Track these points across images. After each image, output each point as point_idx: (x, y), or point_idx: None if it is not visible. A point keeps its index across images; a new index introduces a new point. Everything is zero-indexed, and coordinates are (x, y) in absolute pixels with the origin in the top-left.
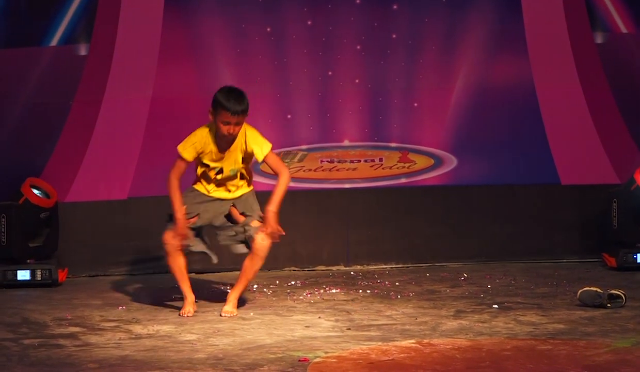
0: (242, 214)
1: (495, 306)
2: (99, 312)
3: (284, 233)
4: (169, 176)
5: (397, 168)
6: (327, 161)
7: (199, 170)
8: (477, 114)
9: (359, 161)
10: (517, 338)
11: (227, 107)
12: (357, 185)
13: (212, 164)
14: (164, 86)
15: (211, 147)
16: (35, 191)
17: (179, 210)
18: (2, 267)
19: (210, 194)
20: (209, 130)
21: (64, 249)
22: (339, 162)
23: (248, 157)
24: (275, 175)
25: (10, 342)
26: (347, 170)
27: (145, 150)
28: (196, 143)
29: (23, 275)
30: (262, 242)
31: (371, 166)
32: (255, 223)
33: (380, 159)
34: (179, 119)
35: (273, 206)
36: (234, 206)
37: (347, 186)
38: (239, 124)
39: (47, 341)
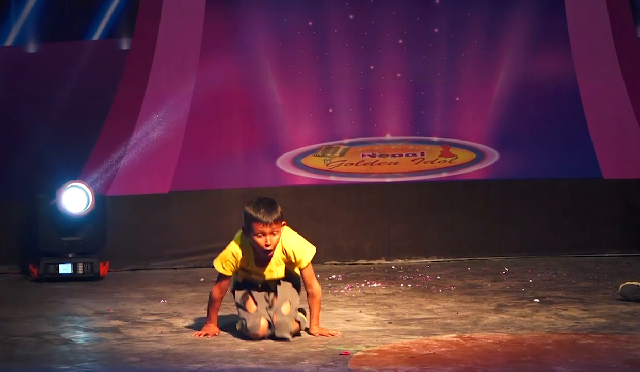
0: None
1: (537, 300)
2: (141, 306)
3: (338, 334)
4: (211, 290)
5: (439, 162)
6: (369, 155)
7: (240, 276)
8: (519, 108)
9: (401, 155)
10: (558, 332)
11: (258, 217)
12: (399, 179)
13: (254, 277)
14: (206, 80)
15: (250, 265)
16: (68, 198)
17: (212, 321)
18: (44, 261)
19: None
20: (244, 244)
21: (106, 243)
22: (380, 156)
23: (291, 266)
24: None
25: (52, 336)
26: (388, 164)
27: (187, 143)
28: (233, 259)
29: (65, 269)
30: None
31: (413, 160)
32: (285, 308)
33: (422, 153)
34: (221, 112)
35: (316, 323)
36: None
37: (388, 180)
38: (274, 233)
39: (89, 335)
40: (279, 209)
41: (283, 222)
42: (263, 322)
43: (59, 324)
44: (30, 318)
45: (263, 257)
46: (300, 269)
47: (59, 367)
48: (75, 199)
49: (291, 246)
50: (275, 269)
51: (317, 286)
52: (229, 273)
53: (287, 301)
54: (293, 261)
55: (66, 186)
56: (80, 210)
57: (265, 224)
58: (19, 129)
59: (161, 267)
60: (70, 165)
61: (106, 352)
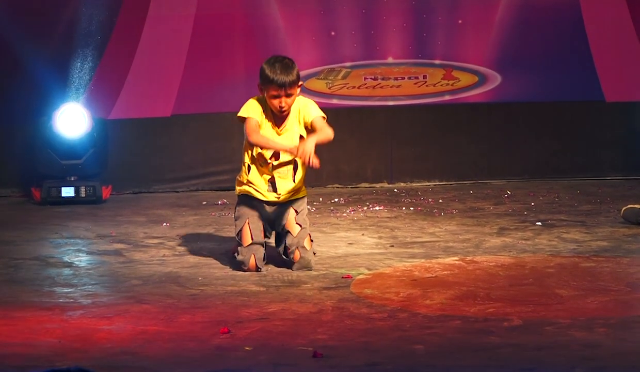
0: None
1: (539, 223)
2: (143, 229)
3: (317, 163)
4: (250, 140)
5: (441, 85)
6: (371, 78)
7: (254, 151)
8: (522, 31)
9: (403, 78)
10: (560, 255)
11: (273, 79)
12: (401, 102)
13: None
14: (207, 3)
15: (267, 121)
16: (65, 121)
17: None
18: (46, 184)
19: (263, 196)
20: (261, 99)
21: (108, 166)
22: (382, 79)
23: (307, 132)
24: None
25: (54, 259)
26: (390, 87)
27: (189, 67)
28: (255, 107)
29: (67, 192)
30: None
31: (415, 83)
32: (307, 243)
33: (424, 76)
34: (222, 36)
35: (313, 138)
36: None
37: (390, 103)
38: (289, 96)
39: (92, 258)
40: (296, 70)
41: (300, 84)
42: (251, 261)
43: (61, 247)
44: (33, 241)
45: (279, 116)
46: (313, 120)
47: (62, 290)
48: (72, 121)
49: (300, 103)
50: (291, 134)
51: (330, 130)
52: (254, 115)
53: (307, 236)
54: (302, 118)
55: (62, 108)
56: (78, 133)
57: (281, 86)
58: (20, 53)
59: (163, 190)
60: (73, 89)
61: (109, 276)
